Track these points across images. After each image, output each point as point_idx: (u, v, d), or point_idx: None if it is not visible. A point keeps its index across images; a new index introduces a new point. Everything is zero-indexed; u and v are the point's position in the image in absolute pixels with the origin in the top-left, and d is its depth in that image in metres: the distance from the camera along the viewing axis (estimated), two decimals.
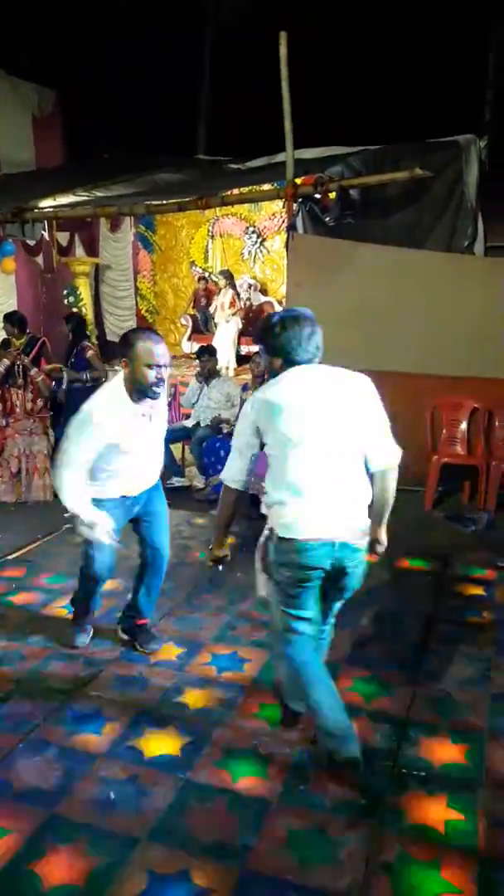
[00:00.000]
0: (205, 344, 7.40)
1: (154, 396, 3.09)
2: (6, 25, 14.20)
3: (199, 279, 11.75)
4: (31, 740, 2.81)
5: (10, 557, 4.75)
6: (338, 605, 2.81)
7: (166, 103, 16.12)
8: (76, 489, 3.05)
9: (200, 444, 6.12)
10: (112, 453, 3.11)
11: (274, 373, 2.69)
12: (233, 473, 2.74)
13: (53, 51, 14.75)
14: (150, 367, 3.00)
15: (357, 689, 3.19)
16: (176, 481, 6.34)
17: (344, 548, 2.55)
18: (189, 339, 11.30)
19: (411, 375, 5.78)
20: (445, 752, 2.78)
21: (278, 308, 10.73)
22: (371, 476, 2.68)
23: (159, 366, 3.02)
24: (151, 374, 3.01)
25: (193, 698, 3.11)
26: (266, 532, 2.73)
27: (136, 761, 2.69)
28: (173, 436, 6.45)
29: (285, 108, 5.74)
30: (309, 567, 2.54)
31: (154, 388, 3.05)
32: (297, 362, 2.65)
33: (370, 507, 2.69)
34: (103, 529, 3.06)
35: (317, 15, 14.65)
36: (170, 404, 6.97)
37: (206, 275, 11.89)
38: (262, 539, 2.78)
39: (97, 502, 3.12)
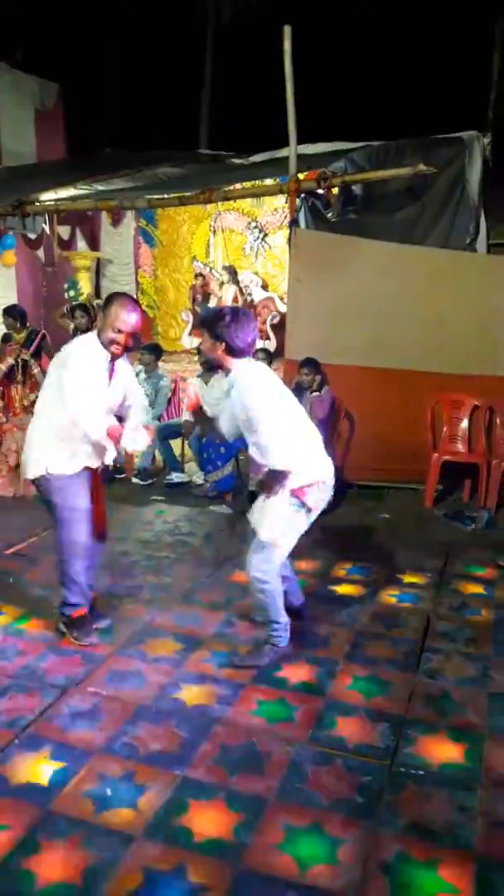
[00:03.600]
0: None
1: (111, 353, 3.36)
2: (10, 19, 14.15)
3: (197, 275, 11.71)
4: (27, 735, 2.79)
5: (7, 552, 4.73)
6: None
7: (168, 97, 16.09)
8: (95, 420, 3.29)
9: (200, 439, 6.10)
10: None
11: (209, 359, 3.40)
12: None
13: (56, 45, 14.72)
14: (115, 330, 3.31)
15: (356, 688, 3.17)
16: (175, 477, 6.33)
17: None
18: (190, 334, 11.28)
19: (412, 372, 5.76)
20: (444, 751, 2.76)
21: (280, 304, 10.72)
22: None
23: (121, 331, 3.31)
24: (112, 335, 3.32)
25: (191, 695, 3.09)
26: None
27: (133, 758, 2.67)
28: (173, 431, 6.44)
29: (289, 102, 5.71)
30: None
31: (110, 348, 3.34)
32: (240, 354, 3.22)
33: None
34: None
35: (321, 9, 14.59)
36: (170, 399, 6.96)
37: (206, 270, 11.85)
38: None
39: (70, 478, 3.39)
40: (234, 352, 3.21)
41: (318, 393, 5.59)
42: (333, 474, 3.40)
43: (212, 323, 3.24)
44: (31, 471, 3.45)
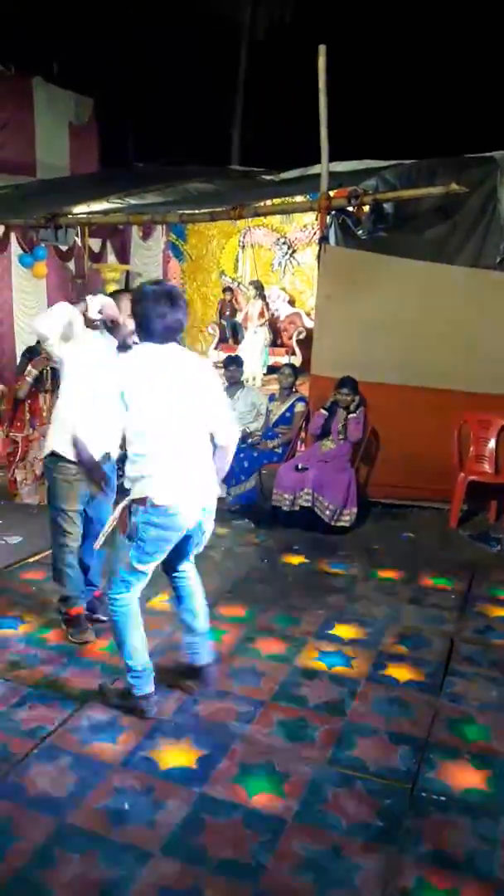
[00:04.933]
0: (232, 354, 7.39)
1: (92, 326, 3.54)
2: (46, 35, 14.41)
3: (225, 290, 11.76)
4: (46, 746, 2.79)
5: (31, 560, 4.75)
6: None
7: (201, 114, 16.25)
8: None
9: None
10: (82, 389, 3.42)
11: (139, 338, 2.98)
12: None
13: (92, 60, 14.94)
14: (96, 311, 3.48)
15: (377, 709, 3.13)
16: None
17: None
18: (216, 347, 11.32)
19: (439, 391, 5.71)
20: (466, 776, 2.71)
21: (307, 320, 10.74)
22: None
23: (99, 312, 3.48)
24: (92, 315, 3.49)
25: (210, 710, 3.07)
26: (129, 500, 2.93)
27: (151, 773, 2.66)
28: None
29: (322, 120, 5.73)
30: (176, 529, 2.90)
31: (90, 323, 3.52)
32: (152, 339, 2.86)
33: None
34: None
35: (354, 28, 14.69)
36: None
37: (235, 285, 11.91)
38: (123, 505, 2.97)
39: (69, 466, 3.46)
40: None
41: (353, 414, 5.57)
42: (197, 509, 2.95)
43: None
44: (44, 451, 3.66)
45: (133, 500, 2.87)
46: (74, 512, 3.61)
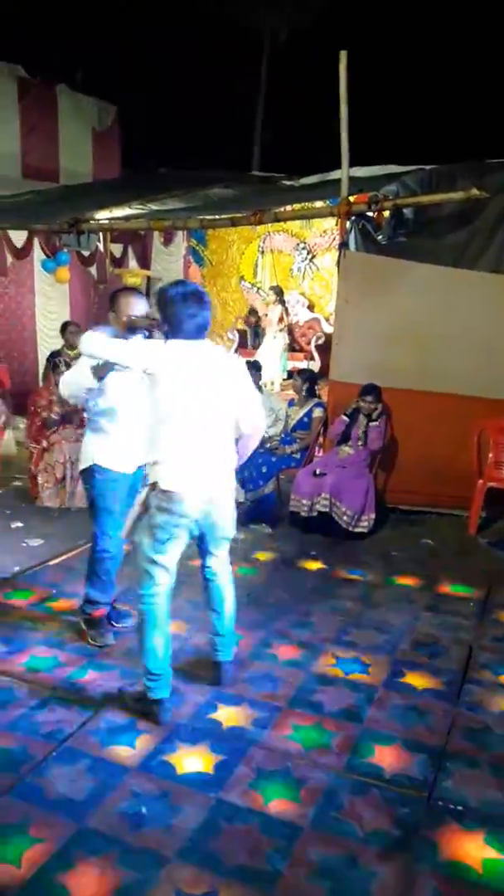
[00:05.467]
0: (250, 359, 7.41)
1: (142, 328, 3.36)
2: (70, 43, 14.58)
3: (251, 311, 11.65)
4: (65, 749, 2.82)
5: (51, 563, 4.80)
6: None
7: (222, 119, 16.34)
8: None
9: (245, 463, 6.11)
10: (112, 396, 3.46)
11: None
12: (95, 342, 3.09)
13: (114, 67, 15.09)
14: (128, 317, 3.42)
15: (394, 716, 3.12)
16: None
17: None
18: (235, 352, 11.35)
19: (459, 397, 5.69)
20: (484, 786, 2.70)
21: (326, 325, 10.74)
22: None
23: (135, 315, 3.42)
24: (129, 318, 3.41)
25: (227, 715, 3.08)
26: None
27: (169, 777, 2.68)
28: None
29: (342, 126, 5.74)
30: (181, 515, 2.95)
31: (127, 333, 3.34)
32: (181, 336, 2.95)
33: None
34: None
35: (375, 33, 14.69)
36: None
37: (253, 290, 11.92)
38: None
39: (114, 479, 3.53)
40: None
41: (375, 422, 5.56)
42: (204, 499, 3.00)
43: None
44: (83, 462, 3.66)
45: (149, 485, 3.00)
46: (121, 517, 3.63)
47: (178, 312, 2.92)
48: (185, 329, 2.94)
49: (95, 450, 3.61)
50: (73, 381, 3.47)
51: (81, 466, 3.70)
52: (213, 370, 2.99)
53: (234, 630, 3.35)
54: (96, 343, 3.07)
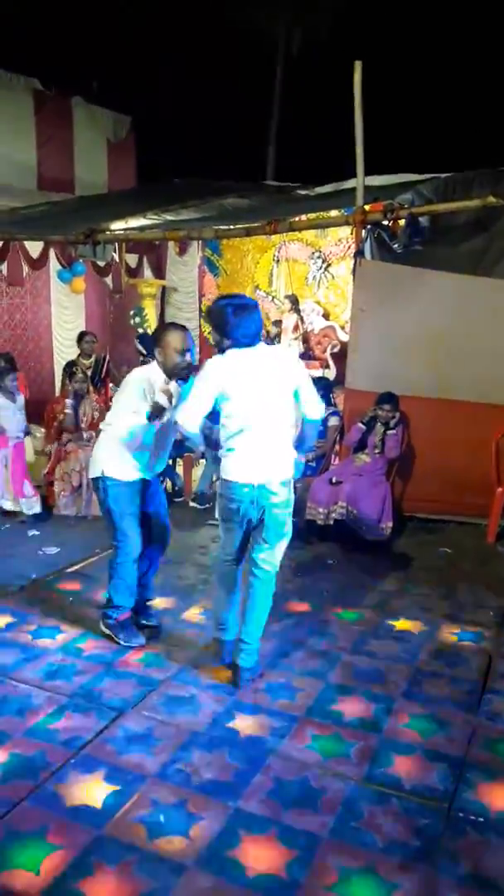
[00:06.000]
0: None
1: (183, 377, 3.58)
2: (86, 55, 14.73)
3: (275, 322, 11.63)
4: (83, 756, 2.82)
5: (68, 570, 4.81)
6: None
7: (236, 129, 16.42)
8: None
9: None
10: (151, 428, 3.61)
11: (222, 349, 3.32)
12: (191, 420, 3.30)
13: (129, 78, 15.21)
14: (179, 352, 3.54)
15: (413, 726, 3.10)
16: None
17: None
18: None
19: (476, 405, 5.66)
20: None
21: (341, 333, 10.73)
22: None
23: (187, 350, 3.56)
24: (180, 358, 3.54)
25: (245, 725, 3.07)
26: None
27: (186, 785, 2.67)
28: None
29: (357, 135, 5.76)
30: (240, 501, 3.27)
31: (181, 370, 3.57)
32: (242, 345, 3.24)
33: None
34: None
35: (389, 41, 14.73)
36: None
37: (269, 299, 11.93)
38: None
39: (126, 484, 3.65)
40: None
41: (392, 431, 5.54)
42: (259, 486, 3.25)
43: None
44: (93, 470, 3.76)
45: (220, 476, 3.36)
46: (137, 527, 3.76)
47: (230, 325, 3.22)
48: (239, 339, 3.23)
49: (106, 459, 3.69)
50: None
51: (92, 475, 3.79)
52: (270, 370, 3.26)
53: (257, 640, 3.46)
54: (182, 417, 3.31)
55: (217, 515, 3.45)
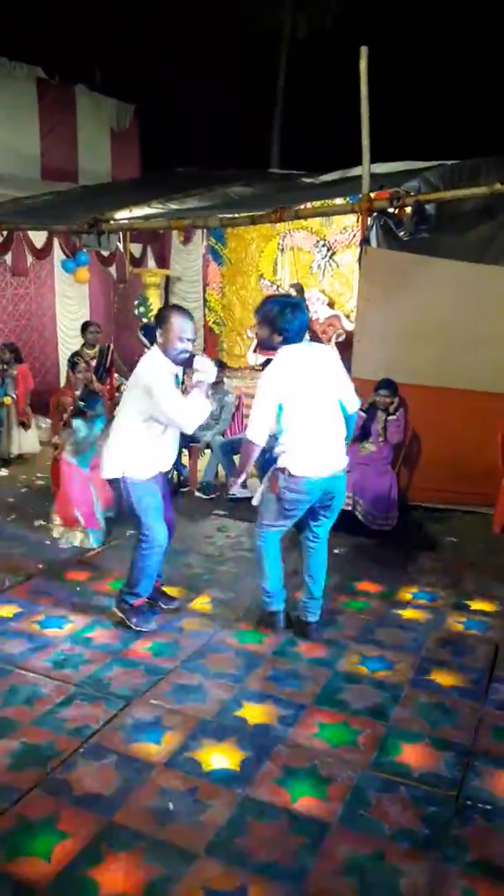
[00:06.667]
0: (271, 357, 7.39)
1: (178, 361, 3.64)
2: (89, 44, 14.63)
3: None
4: (92, 745, 2.83)
5: (75, 560, 4.82)
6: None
7: (240, 117, 16.31)
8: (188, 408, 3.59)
9: (263, 455, 6.10)
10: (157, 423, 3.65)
11: (270, 344, 3.57)
12: (263, 435, 3.51)
13: (132, 67, 15.12)
14: (181, 339, 3.58)
15: (421, 714, 3.10)
16: (238, 492, 6.33)
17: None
18: (254, 351, 11.32)
19: (483, 394, 5.64)
20: None
21: (346, 322, 10.69)
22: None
23: (190, 339, 3.61)
24: (180, 346, 3.59)
25: (252, 713, 3.08)
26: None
27: (195, 773, 2.68)
28: (235, 447, 6.47)
29: (363, 122, 5.71)
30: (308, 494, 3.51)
31: (179, 356, 3.62)
32: (292, 340, 3.48)
33: None
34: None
35: (395, 28, 14.60)
36: (233, 416, 7.01)
37: (274, 288, 11.89)
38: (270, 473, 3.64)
39: (147, 481, 3.71)
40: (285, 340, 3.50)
41: (393, 417, 5.53)
42: (325, 478, 3.49)
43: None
44: (110, 471, 3.75)
45: (276, 469, 3.52)
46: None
47: (286, 321, 3.43)
48: (291, 335, 3.46)
49: (124, 460, 3.70)
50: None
51: (110, 475, 3.77)
52: (318, 366, 3.50)
53: (322, 594, 3.80)
54: (256, 435, 3.51)
55: (268, 506, 3.62)
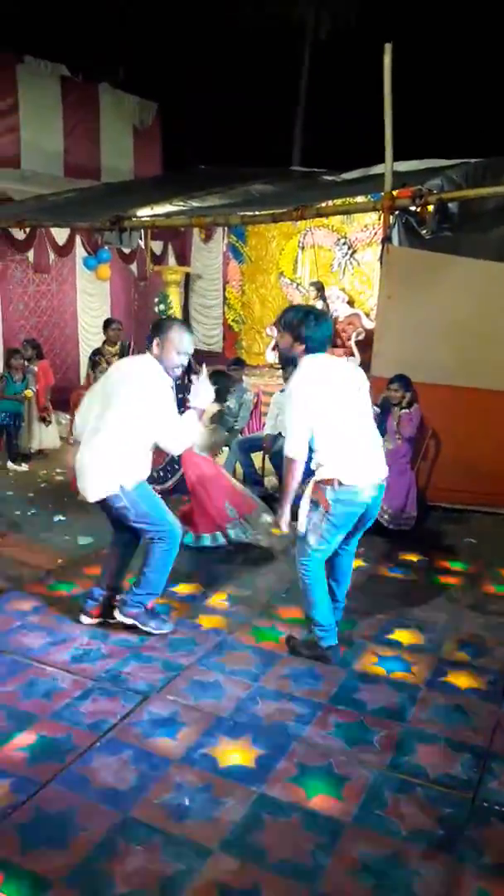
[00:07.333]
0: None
1: (172, 376, 3.56)
2: (113, 41, 14.69)
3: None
4: (109, 740, 2.85)
5: (94, 556, 4.85)
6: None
7: (263, 115, 16.31)
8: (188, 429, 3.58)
9: (280, 454, 6.11)
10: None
11: (292, 355, 3.45)
12: (299, 449, 3.31)
13: (155, 64, 15.17)
14: (178, 353, 3.51)
15: (437, 716, 3.09)
16: (255, 490, 6.34)
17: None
18: (273, 349, 11.31)
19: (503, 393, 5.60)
20: None
21: (366, 320, 10.65)
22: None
23: (186, 354, 3.55)
24: (177, 359, 3.52)
25: (268, 710, 3.08)
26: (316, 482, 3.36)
27: (211, 770, 2.69)
28: (254, 445, 6.47)
29: (387, 120, 5.68)
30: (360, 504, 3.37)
31: (174, 370, 3.56)
32: (317, 350, 3.39)
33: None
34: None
35: (418, 25, 14.51)
36: (251, 413, 7.01)
37: (294, 286, 11.88)
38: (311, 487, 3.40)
39: (143, 482, 3.62)
40: (308, 349, 3.40)
41: (406, 410, 5.51)
42: (372, 486, 3.36)
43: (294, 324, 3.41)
44: (100, 491, 3.55)
45: (320, 483, 3.31)
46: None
47: (311, 331, 3.34)
48: (315, 345, 3.36)
49: (118, 474, 3.54)
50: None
51: (104, 494, 3.57)
52: (345, 375, 3.42)
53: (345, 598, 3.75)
54: (296, 452, 3.32)
55: (314, 527, 3.34)
